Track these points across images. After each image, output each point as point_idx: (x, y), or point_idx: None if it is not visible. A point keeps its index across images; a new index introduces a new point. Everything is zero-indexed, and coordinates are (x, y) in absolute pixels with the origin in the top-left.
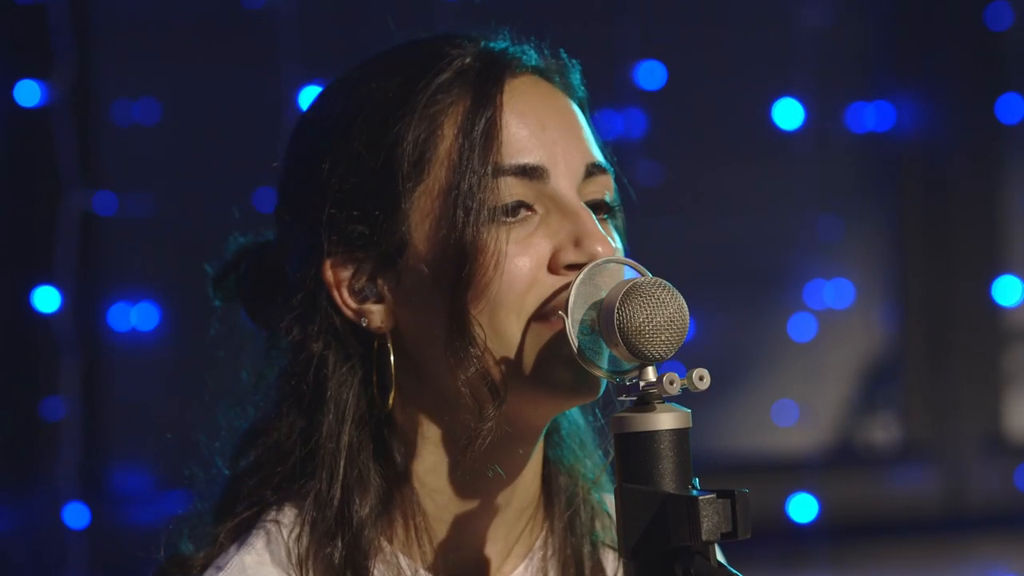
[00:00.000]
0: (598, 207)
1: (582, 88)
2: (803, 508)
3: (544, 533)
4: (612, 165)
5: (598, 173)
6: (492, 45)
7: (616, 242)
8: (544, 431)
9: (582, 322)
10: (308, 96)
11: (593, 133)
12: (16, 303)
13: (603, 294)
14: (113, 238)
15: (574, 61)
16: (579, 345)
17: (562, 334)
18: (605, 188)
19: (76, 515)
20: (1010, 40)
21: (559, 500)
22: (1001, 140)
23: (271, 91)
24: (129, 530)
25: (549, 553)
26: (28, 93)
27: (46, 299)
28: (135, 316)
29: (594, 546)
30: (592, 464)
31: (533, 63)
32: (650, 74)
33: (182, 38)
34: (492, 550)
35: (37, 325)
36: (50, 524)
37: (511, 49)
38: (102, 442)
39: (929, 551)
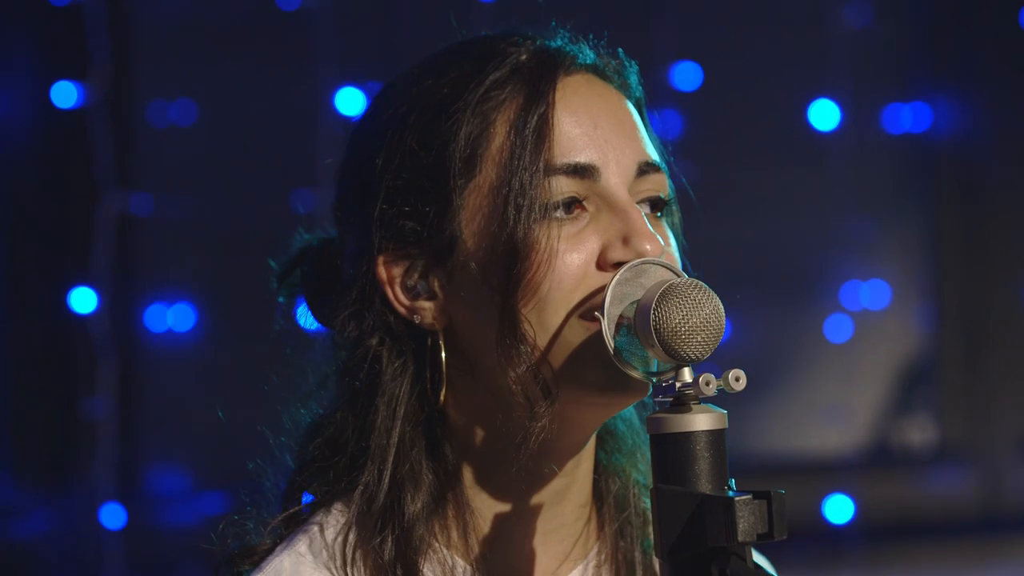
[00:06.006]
0: (652, 205)
1: (639, 88)
2: (839, 509)
3: (598, 540)
4: (668, 164)
5: (651, 171)
6: (548, 43)
7: (670, 241)
8: (594, 434)
9: (619, 323)
10: (344, 97)
11: (649, 132)
12: (53, 304)
13: (640, 295)
14: (149, 239)
15: (632, 61)
16: (616, 346)
17: (600, 334)
18: (659, 186)
19: (113, 515)
20: None
21: (609, 505)
22: None
23: (307, 92)
24: (165, 530)
25: (602, 559)
26: (65, 94)
27: (83, 300)
28: (171, 317)
29: (645, 553)
30: (645, 467)
31: (589, 61)
32: (686, 75)
33: (218, 39)
34: (544, 554)
35: (74, 326)
36: (87, 524)
37: (567, 47)
38: (139, 443)
39: (965, 552)
